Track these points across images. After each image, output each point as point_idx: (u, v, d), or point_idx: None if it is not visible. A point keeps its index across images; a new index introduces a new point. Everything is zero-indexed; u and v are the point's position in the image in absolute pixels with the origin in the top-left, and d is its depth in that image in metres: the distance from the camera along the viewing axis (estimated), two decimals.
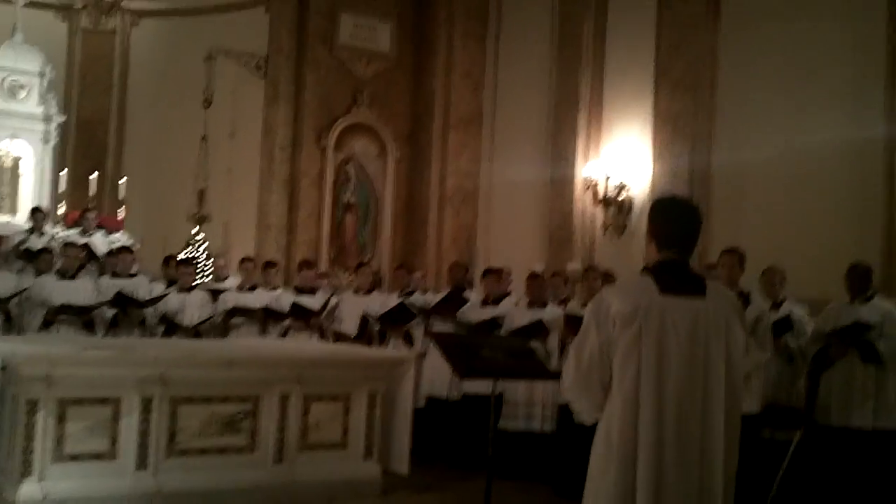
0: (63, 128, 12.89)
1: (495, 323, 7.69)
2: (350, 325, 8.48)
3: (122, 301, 8.13)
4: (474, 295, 8.64)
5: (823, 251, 8.08)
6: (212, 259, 11.39)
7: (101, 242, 10.63)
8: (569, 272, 9.25)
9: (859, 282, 6.48)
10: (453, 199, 12.51)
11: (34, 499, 5.30)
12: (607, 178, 10.34)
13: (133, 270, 8.92)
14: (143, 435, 5.66)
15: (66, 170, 12.66)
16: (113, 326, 8.15)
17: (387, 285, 10.57)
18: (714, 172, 9.41)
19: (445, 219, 12.48)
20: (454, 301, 8.26)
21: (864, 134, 8.07)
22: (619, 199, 10.30)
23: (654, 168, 9.91)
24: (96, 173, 12.75)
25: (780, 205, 8.73)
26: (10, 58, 12.24)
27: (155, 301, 8.29)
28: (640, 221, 10.04)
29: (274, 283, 9.06)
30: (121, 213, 12.43)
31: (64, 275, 8.30)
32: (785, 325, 6.50)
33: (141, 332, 8.17)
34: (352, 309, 8.63)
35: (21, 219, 11.60)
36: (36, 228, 10.23)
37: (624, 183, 10.29)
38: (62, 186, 12.35)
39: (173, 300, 8.39)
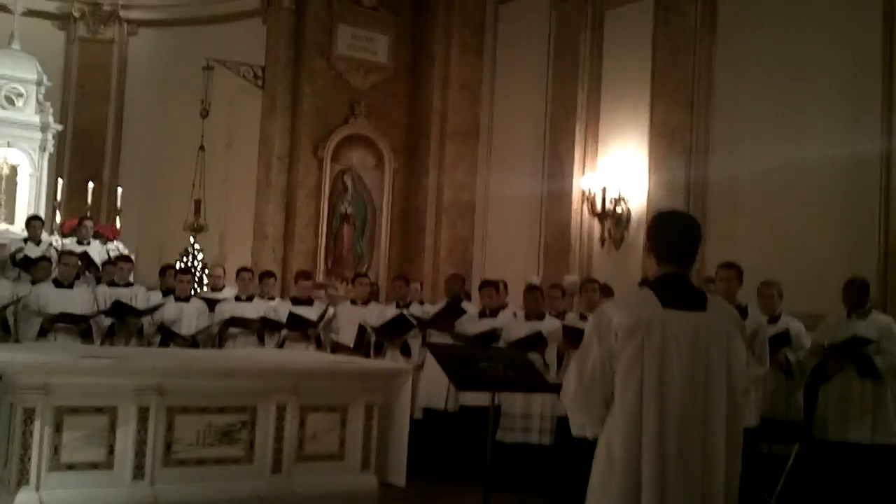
0: (60, 136, 12.87)
1: (493, 335, 7.68)
2: (347, 336, 8.47)
3: (120, 310, 8.11)
4: (471, 307, 8.64)
5: (819, 265, 8.10)
6: (208, 269, 11.36)
7: (98, 251, 10.60)
8: (566, 284, 9.24)
9: (857, 296, 6.51)
10: (450, 210, 12.52)
11: None
12: (604, 191, 10.35)
13: (130, 280, 8.90)
14: (140, 444, 5.62)
15: (63, 178, 12.63)
16: (110, 335, 8.14)
17: (384, 296, 10.55)
18: (710, 185, 9.43)
19: (442, 230, 12.48)
20: (452, 312, 8.26)
21: (860, 148, 8.09)
22: (616, 211, 10.31)
23: (650, 180, 9.93)
24: (93, 182, 12.73)
25: (776, 218, 8.74)
26: (8, 66, 12.23)
27: (152, 310, 8.27)
28: (637, 234, 10.05)
29: (271, 293, 9.05)
30: (117, 222, 12.39)
31: (61, 283, 8.29)
32: (783, 340, 6.51)
33: (138, 342, 8.16)
34: (349, 320, 8.62)
35: (18, 227, 11.57)
36: (33, 237, 10.19)
37: (621, 195, 10.30)
38: (59, 195, 12.32)
39: (170, 309, 8.38)
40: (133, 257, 10.10)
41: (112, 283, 8.71)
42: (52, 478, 5.38)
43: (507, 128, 12.25)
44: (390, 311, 8.57)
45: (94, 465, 5.51)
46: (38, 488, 5.32)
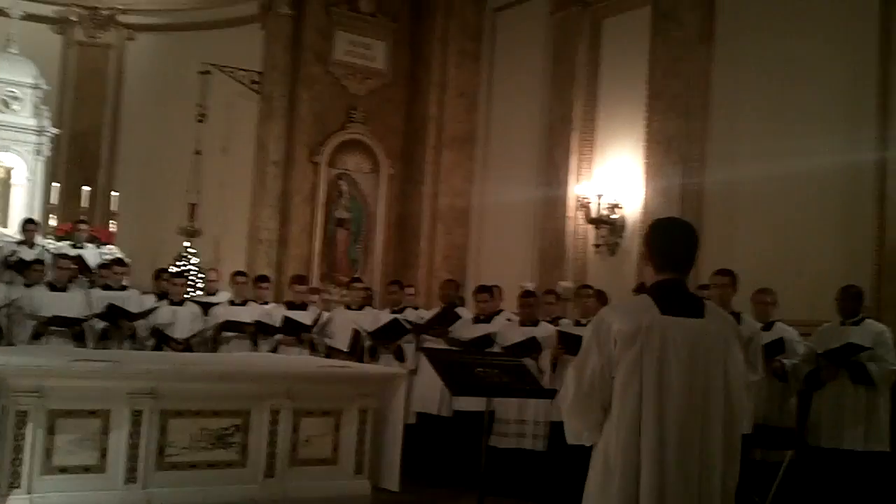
0: (56, 140, 12.87)
1: (487, 340, 7.68)
2: (341, 341, 8.46)
3: (113, 313, 8.10)
4: (466, 312, 8.64)
5: (814, 273, 8.11)
6: (202, 273, 11.35)
7: (92, 255, 10.59)
8: (560, 290, 9.25)
9: (851, 304, 6.52)
10: (445, 216, 12.52)
11: None
12: (599, 198, 10.37)
13: (124, 283, 8.89)
14: (133, 448, 5.61)
15: (58, 182, 12.62)
16: (103, 339, 8.13)
17: (378, 301, 10.54)
18: (706, 193, 9.44)
19: (437, 236, 12.49)
20: (446, 318, 8.25)
21: (857, 157, 8.10)
22: (612, 218, 10.33)
23: (646, 188, 9.94)
24: (88, 186, 12.72)
25: (772, 227, 8.75)
26: (5, 69, 12.24)
27: (146, 314, 8.26)
28: (632, 241, 10.07)
29: (265, 297, 9.04)
30: (112, 226, 12.38)
31: (55, 287, 8.29)
32: (777, 348, 6.51)
33: (131, 345, 8.14)
34: (343, 324, 8.61)
35: (12, 230, 11.55)
36: (27, 240, 10.18)
37: (617, 202, 10.32)
38: (54, 198, 12.31)
39: (164, 313, 8.36)
40: (127, 261, 10.08)
41: (106, 287, 8.70)
42: (45, 481, 5.37)
43: (504, 135, 12.27)
44: (385, 316, 8.57)
45: (86, 469, 5.50)
46: (29, 491, 5.31)
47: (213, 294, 9.40)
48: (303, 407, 6.22)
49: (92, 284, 9.20)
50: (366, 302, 9.24)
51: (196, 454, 5.84)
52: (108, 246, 11.50)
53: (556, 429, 6.71)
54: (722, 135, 9.44)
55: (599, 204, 10.38)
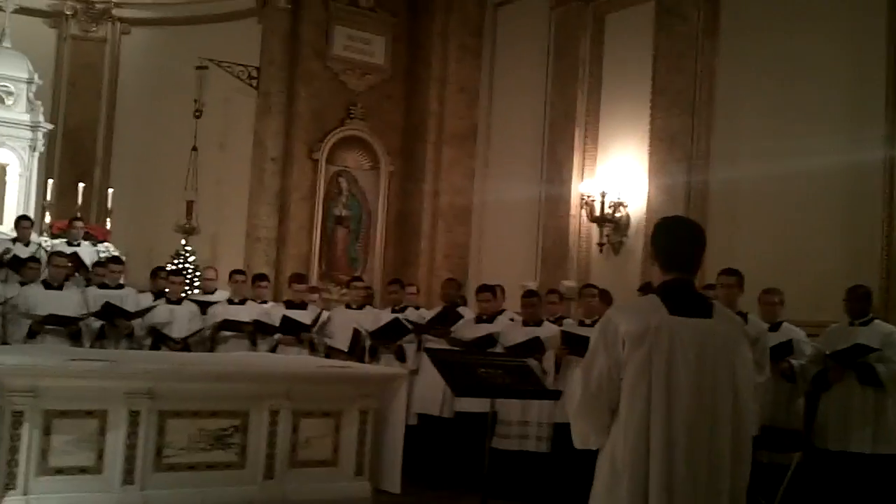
0: (50, 136, 12.84)
1: (490, 340, 7.67)
2: (341, 341, 8.44)
3: (110, 312, 8.08)
4: (468, 312, 8.63)
5: (821, 273, 8.11)
6: (200, 271, 11.34)
7: (88, 253, 10.57)
8: (563, 290, 9.24)
9: (859, 304, 6.52)
10: (446, 214, 12.52)
11: None
12: (603, 196, 10.36)
13: (120, 282, 8.88)
14: (130, 449, 5.58)
15: (52, 178, 12.60)
16: (100, 338, 8.11)
17: (379, 301, 10.54)
18: (711, 191, 9.44)
19: (438, 234, 12.48)
20: (448, 317, 8.24)
21: (863, 155, 8.10)
22: (615, 216, 10.32)
23: (650, 186, 9.94)
24: (83, 183, 12.69)
25: (778, 225, 8.75)
26: None
27: (143, 313, 8.25)
28: (636, 240, 10.06)
29: (264, 296, 9.03)
30: (108, 223, 12.36)
31: (50, 285, 8.27)
32: (786, 350, 6.51)
33: (128, 345, 8.13)
34: (343, 324, 8.59)
35: (6, 228, 11.53)
36: (21, 238, 10.15)
37: (620, 200, 10.31)
38: (49, 195, 12.29)
39: (161, 312, 8.35)
40: (124, 259, 10.07)
41: (102, 285, 8.68)
42: (41, 482, 5.34)
43: (506, 131, 12.26)
44: (385, 316, 8.55)
45: (83, 470, 5.47)
46: (25, 493, 5.29)
47: (211, 293, 9.38)
48: (302, 408, 6.20)
49: (88, 283, 9.18)
50: (366, 301, 9.23)
51: (194, 455, 5.82)
52: (103, 243, 11.48)
53: (560, 430, 6.71)
54: (727, 132, 9.43)
55: (603, 202, 10.37)
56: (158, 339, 8.22)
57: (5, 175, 12.27)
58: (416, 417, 7.90)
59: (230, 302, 8.76)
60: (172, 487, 5.72)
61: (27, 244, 10.10)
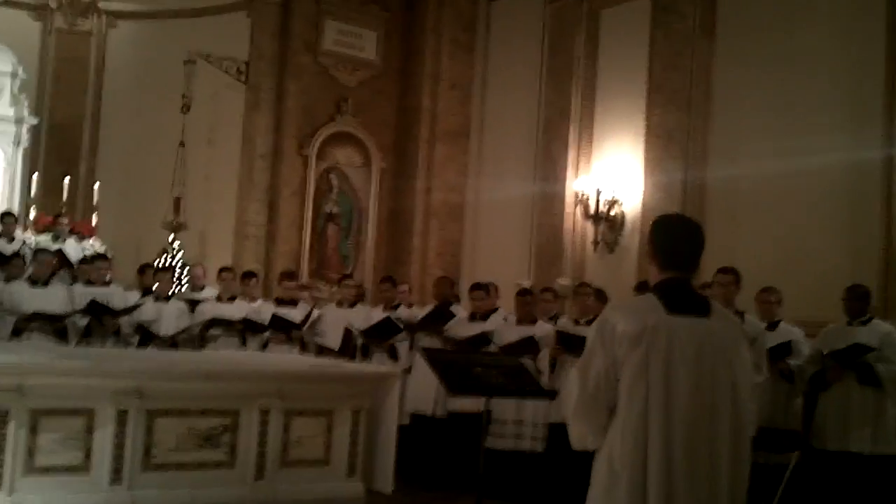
0: (35, 130, 12.77)
1: (483, 339, 7.67)
2: (332, 339, 8.44)
3: (97, 310, 8.05)
4: (461, 310, 8.63)
5: (819, 272, 8.13)
6: (187, 268, 11.30)
7: (73, 249, 10.53)
8: (558, 288, 9.24)
9: (858, 303, 6.54)
10: (439, 212, 12.51)
11: None
12: (598, 193, 10.37)
13: (106, 279, 8.84)
14: (118, 448, 5.56)
15: (37, 173, 12.54)
16: (86, 336, 8.07)
17: (370, 299, 10.53)
18: (708, 189, 9.46)
19: (431, 232, 12.48)
20: (441, 316, 8.24)
21: (862, 153, 8.13)
22: (611, 214, 10.33)
23: (646, 183, 9.95)
24: (69, 178, 12.63)
25: (775, 224, 8.77)
26: None
27: (130, 310, 8.22)
28: (631, 238, 10.08)
29: (253, 294, 9.00)
30: (94, 220, 12.31)
31: (35, 282, 8.23)
32: (785, 351, 6.52)
33: (115, 343, 8.09)
34: (334, 322, 8.59)
35: None
36: (6, 233, 10.11)
37: (616, 198, 10.32)
38: (33, 191, 12.23)
39: (149, 309, 8.33)
40: (110, 256, 10.03)
41: (88, 282, 8.64)
42: (27, 482, 5.31)
43: (499, 128, 12.26)
44: (377, 314, 8.55)
45: (70, 469, 5.44)
46: (11, 493, 5.26)
47: (199, 290, 9.36)
48: (294, 407, 6.18)
49: (74, 280, 9.14)
50: (357, 299, 9.22)
51: (183, 455, 5.80)
52: (89, 240, 11.43)
53: (555, 430, 6.71)
54: (724, 129, 9.45)
55: (598, 200, 10.39)
56: (146, 336, 8.19)
57: None
58: (409, 417, 7.89)
59: (219, 299, 8.74)
60: (161, 488, 5.69)
61: (11, 240, 10.07)
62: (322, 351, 8.44)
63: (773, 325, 6.72)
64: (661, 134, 9.83)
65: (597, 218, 10.42)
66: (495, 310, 8.29)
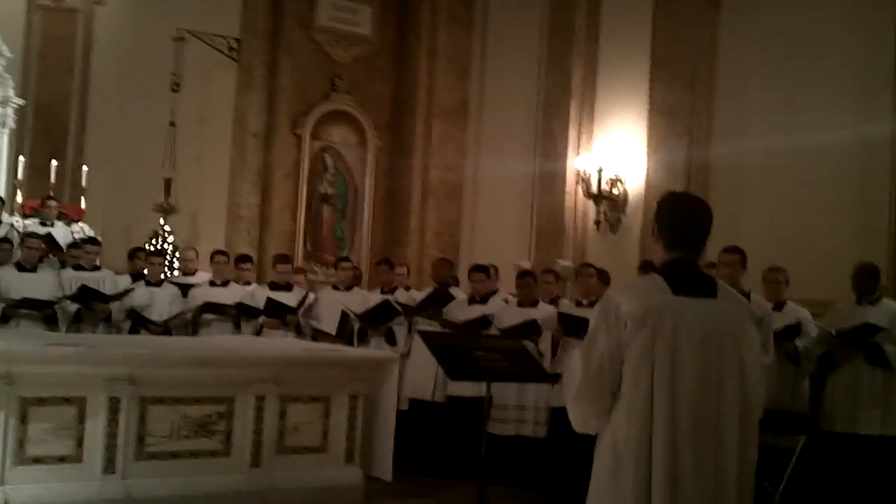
0: (21, 112, 12.70)
1: (484, 322, 7.68)
2: (328, 323, 8.44)
3: (87, 295, 8.04)
4: (460, 293, 8.63)
5: (826, 251, 8.12)
6: (179, 252, 11.29)
7: (62, 233, 10.50)
8: (559, 269, 9.24)
9: (866, 282, 6.54)
10: (437, 191, 12.50)
11: None
12: (600, 172, 10.35)
13: (96, 263, 8.83)
14: (111, 437, 5.58)
15: (24, 156, 12.49)
16: (76, 322, 8.07)
17: (367, 282, 10.53)
18: (713, 167, 9.44)
19: (428, 212, 12.46)
20: (439, 299, 8.25)
21: (871, 129, 8.09)
22: (613, 193, 10.32)
23: (648, 162, 9.93)
24: (56, 160, 12.58)
25: (782, 202, 8.75)
26: None
27: (121, 295, 8.22)
28: (634, 217, 10.06)
29: (247, 278, 9.00)
30: (82, 203, 12.27)
31: (24, 267, 8.23)
32: (794, 332, 6.52)
33: (106, 329, 8.10)
34: (330, 306, 8.59)
35: None
36: None
37: (618, 176, 10.30)
38: (20, 174, 12.18)
39: (141, 294, 8.32)
40: (100, 240, 10.01)
41: (78, 267, 8.63)
42: (18, 472, 5.33)
43: (498, 105, 12.22)
44: (374, 298, 8.55)
45: (61, 459, 5.47)
46: (2, 483, 5.28)
47: (192, 274, 9.35)
48: (290, 393, 6.21)
49: (63, 265, 9.11)
50: (354, 282, 9.21)
51: (177, 443, 5.82)
52: (78, 223, 11.40)
53: (558, 415, 6.73)
54: (729, 106, 9.42)
55: (600, 178, 10.37)
56: (138, 322, 8.19)
57: None
58: (408, 402, 7.91)
59: (212, 284, 8.73)
60: (155, 476, 5.72)
61: None
62: (318, 335, 8.44)
63: (779, 306, 6.72)
64: (665, 110, 9.80)
65: (598, 197, 10.40)
66: (495, 292, 8.30)
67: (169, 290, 8.55)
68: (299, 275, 9.46)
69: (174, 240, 12.19)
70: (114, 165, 13.18)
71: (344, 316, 8.40)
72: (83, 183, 12.48)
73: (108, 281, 8.47)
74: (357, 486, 6.37)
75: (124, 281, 8.64)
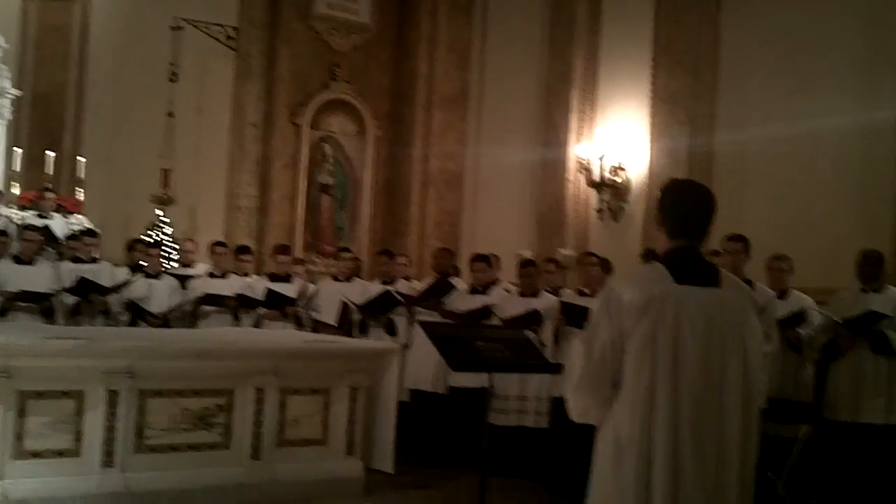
0: (17, 103, 12.69)
1: (485, 312, 7.67)
2: (329, 314, 8.43)
3: (85, 287, 8.04)
4: (461, 283, 8.62)
5: (829, 238, 8.12)
6: (178, 243, 11.29)
7: (59, 225, 10.51)
8: (561, 258, 9.23)
9: (870, 269, 6.53)
10: (437, 181, 12.49)
11: None
12: (602, 159, 10.33)
13: (95, 255, 8.82)
14: (110, 430, 5.59)
15: (20, 147, 12.47)
16: (74, 315, 8.07)
17: (367, 272, 10.52)
18: (715, 154, 9.43)
19: (429, 202, 12.46)
20: (440, 289, 8.24)
21: (874, 116, 8.07)
22: (615, 181, 10.30)
23: (651, 149, 9.92)
24: (53, 152, 12.57)
25: (785, 189, 8.75)
26: None
27: (120, 287, 8.22)
28: (637, 205, 10.06)
29: (247, 269, 8.99)
30: (80, 194, 12.27)
31: (21, 260, 8.22)
32: (798, 321, 6.51)
33: (105, 321, 8.09)
34: (330, 297, 8.58)
35: None
36: None
37: (620, 164, 10.28)
38: (17, 165, 12.17)
39: (139, 286, 8.32)
40: (98, 231, 10.00)
41: (76, 259, 8.63)
42: (16, 466, 5.35)
43: (499, 93, 12.20)
44: (375, 288, 8.54)
45: (60, 453, 5.49)
46: (1, 478, 5.29)
47: (190, 266, 9.35)
48: (290, 385, 6.22)
49: (60, 257, 9.11)
50: (354, 273, 9.19)
51: (177, 436, 5.84)
52: (76, 215, 11.40)
53: (559, 405, 6.71)
54: (732, 92, 9.41)
55: (601, 166, 10.36)
56: (136, 314, 8.19)
57: None
58: (409, 393, 7.91)
59: (211, 275, 8.73)
60: (154, 469, 5.73)
61: None
62: (318, 327, 8.44)
63: (783, 294, 6.71)
64: (667, 98, 9.78)
65: (600, 185, 10.40)
66: (496, 282, 8.29)
67: (168, 282, 8.54)
68: (299, 265, 9.44)
69: (173, 231, 12.20)
70: (111, 156, 13.17)
71: (344, 307, 8.39)
72: (81, 174, 12.48)
73: (105, 273, 8.46)
74: (358, 478, 6.38)
75: (123, 273, 8.63)
